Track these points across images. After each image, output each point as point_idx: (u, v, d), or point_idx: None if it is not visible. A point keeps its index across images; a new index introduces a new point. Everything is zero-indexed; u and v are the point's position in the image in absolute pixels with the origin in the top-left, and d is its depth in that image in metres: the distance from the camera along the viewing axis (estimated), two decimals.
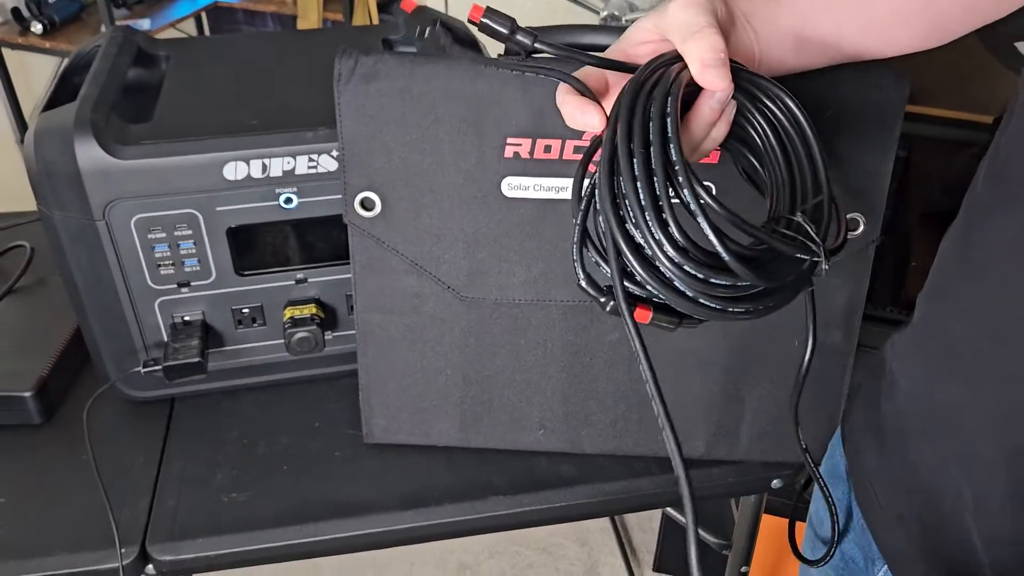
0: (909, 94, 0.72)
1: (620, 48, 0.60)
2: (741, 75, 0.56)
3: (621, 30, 0.74)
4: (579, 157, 0.71)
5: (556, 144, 0.71)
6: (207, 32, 3.05)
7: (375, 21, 2.58)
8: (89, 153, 0.73)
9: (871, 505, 0.65)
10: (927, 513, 0.59)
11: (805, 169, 0.56)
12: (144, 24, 2.36)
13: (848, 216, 0.74)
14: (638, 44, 0.58)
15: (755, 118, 0.57)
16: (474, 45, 0.96)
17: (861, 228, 0.74)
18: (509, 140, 0.72)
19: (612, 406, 0.83)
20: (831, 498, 0.71)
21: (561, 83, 0.57)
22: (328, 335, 0.87)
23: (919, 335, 0.62)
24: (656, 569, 1.60)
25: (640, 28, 0.59)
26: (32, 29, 2.37)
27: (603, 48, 0.77)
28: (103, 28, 2.30)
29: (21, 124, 2.47)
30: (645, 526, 1.80)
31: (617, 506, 0.84)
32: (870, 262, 0.76)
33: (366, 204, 0.74)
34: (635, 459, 0.85)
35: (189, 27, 2.93)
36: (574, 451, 0.85)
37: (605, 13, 1.37)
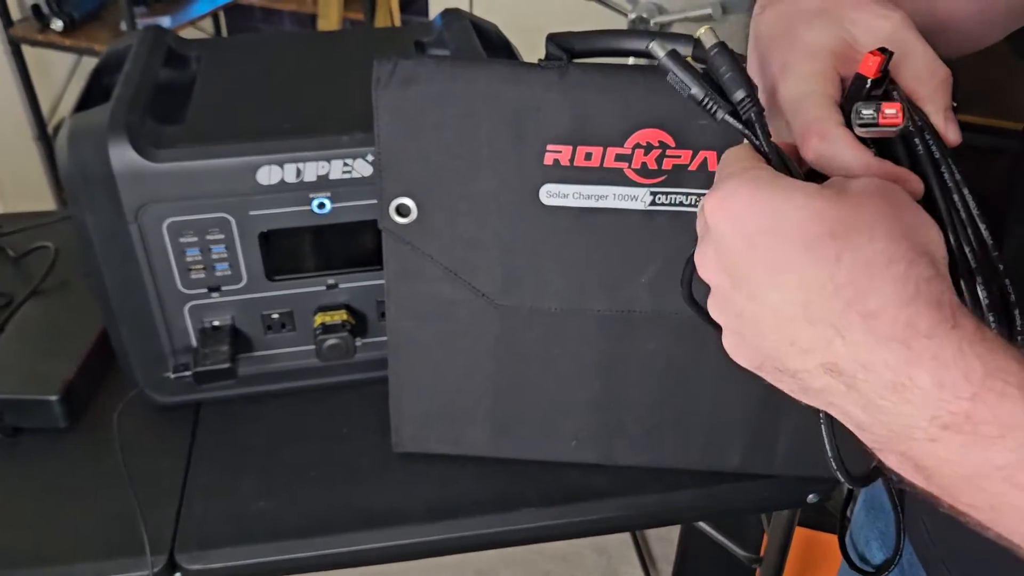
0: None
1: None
2: None
3: (651, 34, 0.73)
4: (620, 165, 0.70)
5: (597, 152, 0.70)
6: (224, 30, 3.05)
7: (397, 22, 2.57)
8: (123, 155, 0.72)
9: (922, 540, 0.63)
10: (983, 549, 0.57)
11: None
12: (165, 22, 2.36)
13: None
14: None
15: None
16: (507, 48, 0.95)
17: None
18: (549, 147, 0.70)
19: (646, 417, 0.81)
20: (900, 509, 0.68)
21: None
22: (358, 342, 0.86)
23: None
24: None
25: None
26: (52, 26, 2.37)
27: (634, 52, 0.76)
28: (123, 26, 2.29)
29: (40, 122, 2.47)
30: (664, 536, 1.78)
31: (650, 520, 0.83)
32: None
33: (402, 210, 0.73)
34: (668, 471, 0.83)
35: (207, 25, 2.92)
36: (606, 463, 0.83)
37: (633, 16, 1.36)
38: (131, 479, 0.79)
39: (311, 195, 0.77)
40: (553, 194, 0.72)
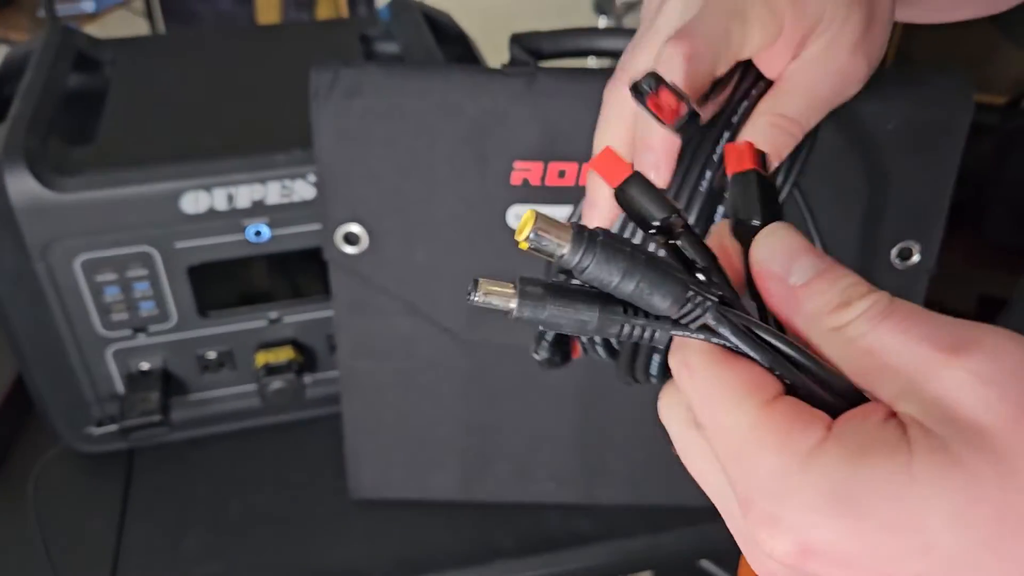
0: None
1: None
2: None
3: (628, 33, 0.65)
4: None
5: (571, 168, 0.62)
6: (158, 11, 2.89)
7: (343, 12, 2.43)
8: (23, 186, 0.62)
9: None
10: None
11: None
12: (88, 6, 2.21)
13: (901, 244, 0.65)
14: None
15: None
16: (462, 41, 0.86)
17: (915, 257, 0.65)
18: (517, 164, 0.62)
19: (631, 454, 0.74)
20: None
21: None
22: (308, 379, 0.77)
23: None
24: None
25: None
26: None
27: (607, 52, 0.68)
28: (40, 12, 2.14)
29: None
30: None
31: (638, 564, 0.75)
32: (923, 295, 0.67)
33: (350, 239, 0.64)
34: (655, 510, 0.76)
35: (138, 6, 2.77)
36: (588, 503, 0.76)
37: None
38: (52, 545, 0.70)
39: (245, 222, 0.68)
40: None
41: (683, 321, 0.26)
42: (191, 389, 0.76)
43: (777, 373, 0.26)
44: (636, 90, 0.31)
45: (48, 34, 0.81)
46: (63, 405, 0.73)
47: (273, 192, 0.67)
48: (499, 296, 0.25)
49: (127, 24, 2.47)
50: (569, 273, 0.26)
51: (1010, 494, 0.22)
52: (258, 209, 0.67)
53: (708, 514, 0.74)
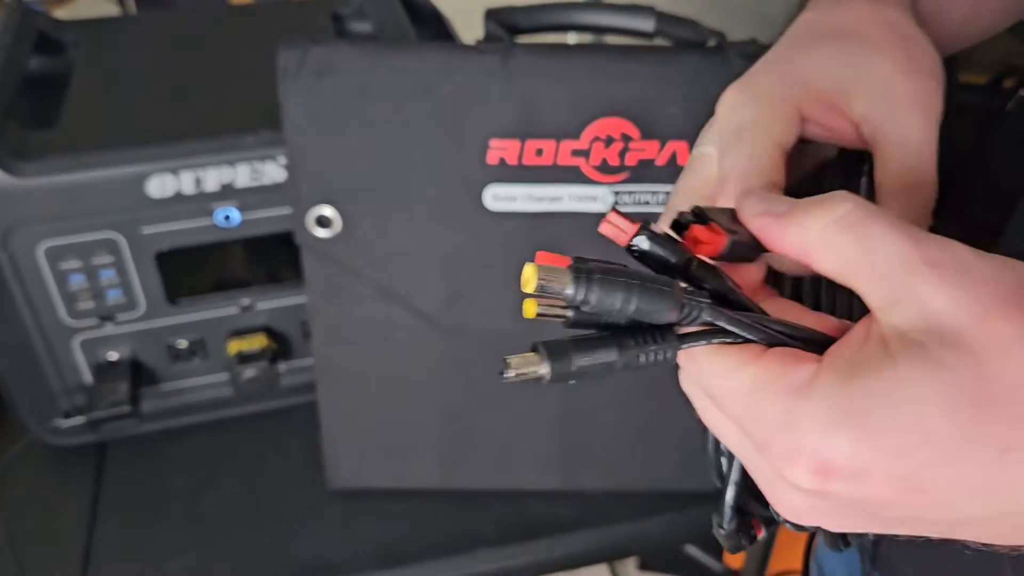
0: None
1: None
2: None
3: (607, 7, 0.63)
4: (577, 161, 0.61)
5: (549, 146, 0.60)
6: None
7: None
8: None
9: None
10: None
11: None
12: None
13: None
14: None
15: None
16: (437, 20, 0.84)
17: None
18: (493, 142, 0.60)
19: (614, 439, 0.72)
20: None
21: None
22: (282, 367, 0.75)
23: None
24: (642, 567, 1.52)
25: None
26: None
27: (586, 27, 0.66)
28: None
29: None
30: None
31: (621, 551, 0.74)
32: None
33: (322, 221, 0.62)
34: (639, 495, 0.75)
35: None
36: (570, 489, 0.74)
37: None
38: (19, 543, 0.68)
39: (214, 206, 0.66)
40: (500, 197, 0.62)
41: (684, 322, 0.29)
42: (162, 379, 0.74)
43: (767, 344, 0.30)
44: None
45: (8, 15, 0.78)
46: (29, 397, 0.71)
47: (242, 175, 0.65)
48: (528, 365, 0.28)
49: (98, 7, 2.42)
50: (578, 311, 0.28)
51: (984, 382, 0.26)
52: (227, 193, 0.65)
53: (691, 499, 0.73)
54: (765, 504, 0.38)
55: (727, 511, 0.39)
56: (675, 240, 0.30)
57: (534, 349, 0.28)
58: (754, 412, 0.28)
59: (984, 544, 0.29)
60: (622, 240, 0.29)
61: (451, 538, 0.72)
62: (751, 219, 0.31)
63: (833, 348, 0.29)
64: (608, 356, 0.28)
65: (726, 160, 0.37)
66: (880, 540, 0.56)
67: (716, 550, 0.98)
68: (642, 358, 0.29)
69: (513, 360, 0.28)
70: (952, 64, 0.58)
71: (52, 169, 0.62)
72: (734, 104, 0.39)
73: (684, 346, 0.30)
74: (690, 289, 0.29)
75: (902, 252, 0.27)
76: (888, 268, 0.27)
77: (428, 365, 0.68)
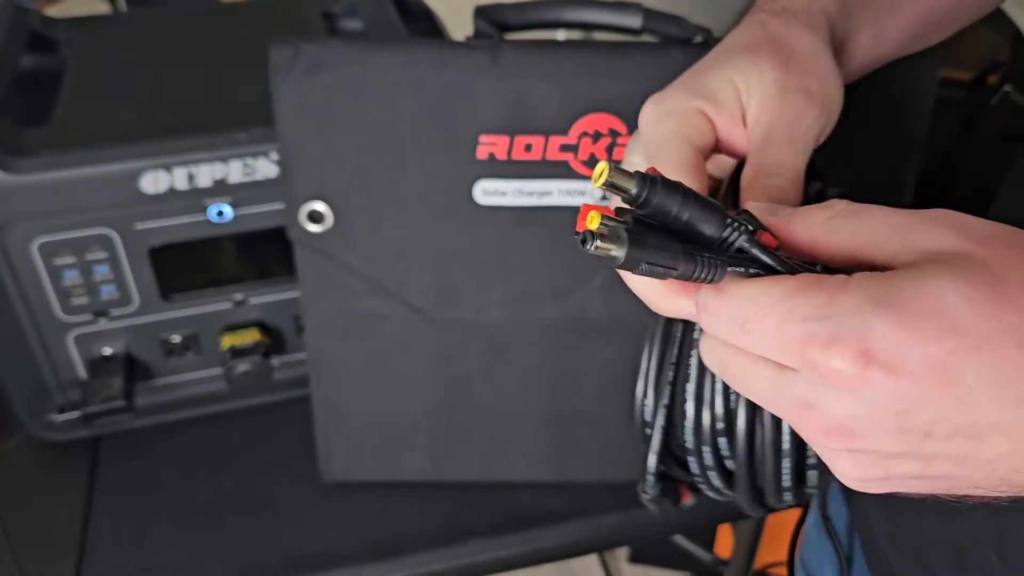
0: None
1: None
2: None
3: (595, 5, 0.64)
4: (566, 156, 0.61)
5: (538, 142, 0.61)
6: None
7: None
8: None
9: (882, 568, 0.56)
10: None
11: None
12: None
13: None
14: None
15: None
16: (427, 17, 0.84)
17: None
18: (483, 138, 0.61)
19: (604, 430, 0.73)
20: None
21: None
22: (275, 361, 0.76)
23: None
24: (632, 560, 1.54)
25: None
26: None
27: (574, 24, 0.66)
28: None
29: None
30: None
31: (611, 541, 0.75)
32: None
33: (315, 217, 0.63)
34: (629, 486, 0.75)
35: None
36: (561, 480, 0.75)
37: None
38: (15, 538, 0.68)
39: (207, 202, 0.66)
40: (490, 192, 0.62)
41: (727, 240, 0.32)
42: (156, 374, 0.75)
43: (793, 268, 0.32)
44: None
45: (0, 13, 0.78)
46: (24, 392, 0.72)
47: (235, 171, 0.65)
48: (609, 242, 0.29)
49: (88, 5, 2.42)
50: (636, 216, 0.31)
51: (1000, 283, 0.29)
52: (220, 188, 0.66)
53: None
54: (688, 470, 0.41)
55: (649, 477, 0.41)
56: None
57: (616, 235, 0.29)
58: (795, 315, 0.30)
59: (990, 491, 0.31)
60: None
61: (443, 529, 0.72)
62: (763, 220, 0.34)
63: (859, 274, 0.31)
64: (674, 257, 0.30)
65: None
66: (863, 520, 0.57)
67: (706, 541, 0.99)
68: (697, 268, 0.31)
69: (595, 233, 0.29)
70: (932, 61, 0.59)
71: (46, 166, 0.62)
72: (652, 118, 0.42)
73: (729, 269, 0.32)
74: (734, 215, 0.32)
75: (903, 217, 0.31)
76: (895, 230, 0.31)
77: (420, 359, 0.69)
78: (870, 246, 0.32)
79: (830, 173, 0.61)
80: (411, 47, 0.59)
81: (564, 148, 0.61)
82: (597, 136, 0.60)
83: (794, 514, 0.70)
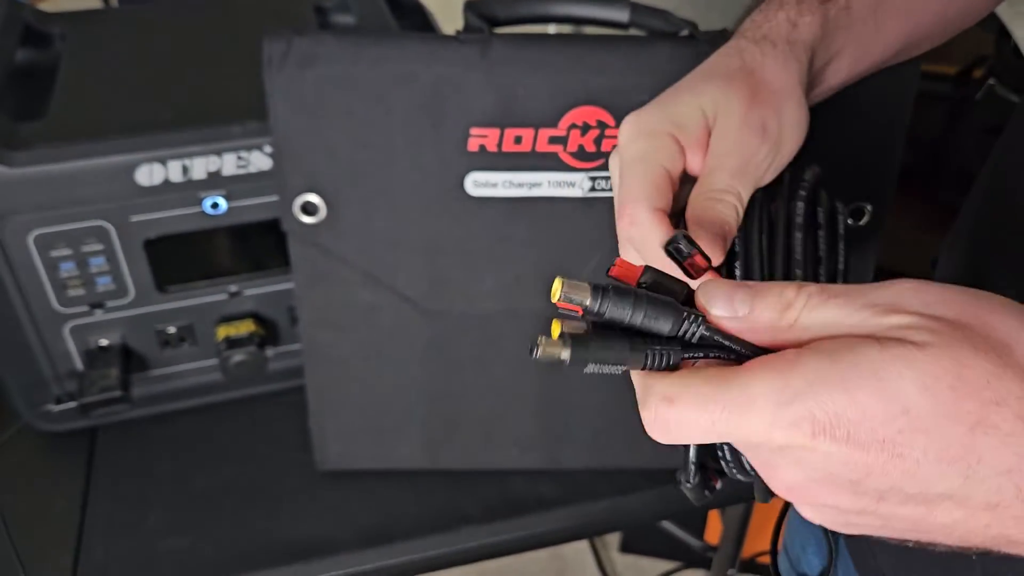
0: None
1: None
2: None
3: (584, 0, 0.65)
4: (555, 148, 0.62)
5: (528, 134, 0.62)
6: None
7: None
8: None
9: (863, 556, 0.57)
10: None
11: None
12: None
13: (854, 205, 0.66)
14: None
15: None
16: (418, 12, 0.85)
17: (866, 217, 0.66)
18: (473, 131, 0.62)
19: (594, 418, 0.74)
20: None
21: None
22: (270, 352, 0.77)
23: None
24: (622, 550, 1.55)
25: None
26: None
27: (564, 18, 0.68)
28: None
29: None
30: None
31: (602, 527, 0.77)
32: (875, 253, 0.69)
33: (308, 209, 0.64)
34: (619, 473, 0.77)
35: None
36: (552, 467, 0.76)
37: None
38: (13, 525, 0.69)
39: (201, 194, 0.67)
40: (480, 184, 0.63)
41: (682, 335, 0.33)
42: (151, 365, 0.76)
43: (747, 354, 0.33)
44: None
45: None
46: (21, 383, 0.72)
47: (229, 163, 0.66)
48: (553, 348, 0.31)
49: (82, 1, 2.41)
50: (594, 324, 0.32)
51: (962, 368, 0.28)
52: (214, 181, 0.67)
53: (670, 476, 0.75)
54: (718, 459, 0.43)
55: (691, 467, 0.43)
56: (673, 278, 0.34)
57: (560, 337, 0.31)
58: (752, 412, 0.30)
59: (955, 545, 0.31)
60: (631, 278, 0.33)
61: (437, 516, 0.74)
62: (718, 321, 0.33)
63: (815, 343, 0.31)
64: (619, 355, 0.32)
65: (622, 186, 0.43)
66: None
67: (695, 528, 1.00)
68: (648, 360, 0.32)
69: (541, 340, 0.31)
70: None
71: (42, 159, 0.63)
72: (629, 135, 0.44)
73: (686, 355, 0.33)
74: (689, 309, 0.33)
75: (867, 303, 0.31)
76: (859, 318, 0.31)
77: (412, 348, 0.70)
78: (833, 335, 0.31)
79: (813, 163, 0.62)
80: (402, 41, 0.60)
81: (553, 140, 0.62)
82: (586, 128, 0.61)
83: (780, 502, 0.71)
